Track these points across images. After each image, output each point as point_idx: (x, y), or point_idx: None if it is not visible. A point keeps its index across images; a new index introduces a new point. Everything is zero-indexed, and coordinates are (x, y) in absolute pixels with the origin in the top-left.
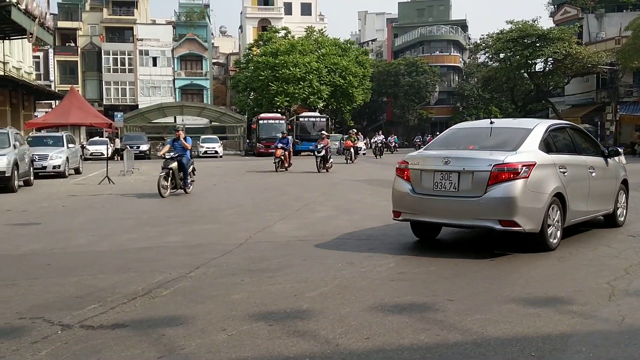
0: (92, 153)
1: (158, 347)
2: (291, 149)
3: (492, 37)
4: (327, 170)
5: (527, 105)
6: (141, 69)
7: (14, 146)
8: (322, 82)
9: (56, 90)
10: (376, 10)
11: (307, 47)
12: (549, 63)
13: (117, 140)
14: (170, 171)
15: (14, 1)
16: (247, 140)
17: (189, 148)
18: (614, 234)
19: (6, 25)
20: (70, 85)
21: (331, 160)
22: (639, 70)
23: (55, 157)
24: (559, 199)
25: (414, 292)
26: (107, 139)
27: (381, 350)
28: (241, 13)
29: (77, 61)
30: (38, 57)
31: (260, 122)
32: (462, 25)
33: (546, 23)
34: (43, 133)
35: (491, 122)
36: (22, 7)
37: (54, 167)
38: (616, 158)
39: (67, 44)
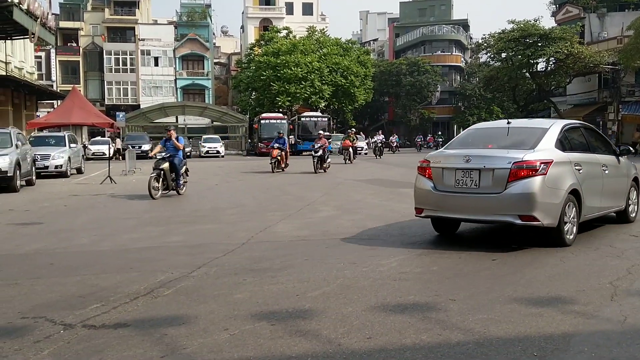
0: (94, 153)
1: (160, 347)
2: (288, 149)
3: (494, 36)
4: (325, 171)
5: (528, 105)
6: (143, 69)
7: (16, 146)
8: (324, 82)
9: (58, 90)
10: (378, 10)
11: (308, 46)
12: (551, 63)
13: (118, 141)
14: (162, 172)
15: (15, 1)
16: (249, 140)
17: (181, 148)
18: (616, 233)
19: (8, 25)
20: (72, 85)
21: (329, 160)
22: None
23: (57, 157)
24: (575, 195)
25: (416, 292)
26: (109, 139)
27: (383, 350)
28: (242, 13)
29: (79, 61)
30: (40, 57)
31: (262, 122)
32: (464, 24)
33: (548, 23)
34: (45, 133)
35: (508, 122)
36: (24, 7)
37: (56, 167)
38: None
39: (69, 44)
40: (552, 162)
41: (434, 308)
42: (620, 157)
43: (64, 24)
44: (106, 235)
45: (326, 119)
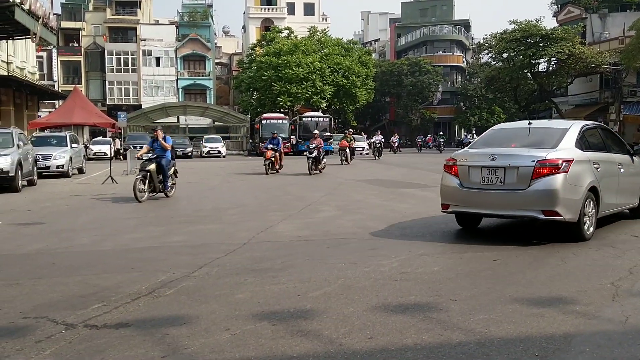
0: (95, 153)
1: (162, 347)
2: (282, 150)
3: (495, 37)
4: (320, 172)
5: (530, 105)
6: (144, 69)
7: (18, 146)
8: (325, 82)
9: (59, 90)
10: (379, 10)
11: (310, 47)
12: (553, 63)
13: (118, 141)
14: (148, 174)
15: (17, 1)
16: (250, 140)
17: (169, 149)
18: (617, 234)
19: (10, 26)
20: (73, 85)
21: (324, 161)
22: None
23: (59, 157)
24: (593, 192)
25: (417, 292)
26: (111, 139)
27: (384, 350)
28: (244, 13)
29: (80, 61)
30: (41, 57)
31: (263, 122)
32: (465, 25)
33: (549, 23)
34: (46, 133)
35: (529, 123)
36: (26, 7)
37: (58, 167)
38: None
39: (70, 44)
40: (573, 160)
41: (435, 308)
42: (634, 157)
43: (65, 24)
44: (107, 235)
45: (327, 119)
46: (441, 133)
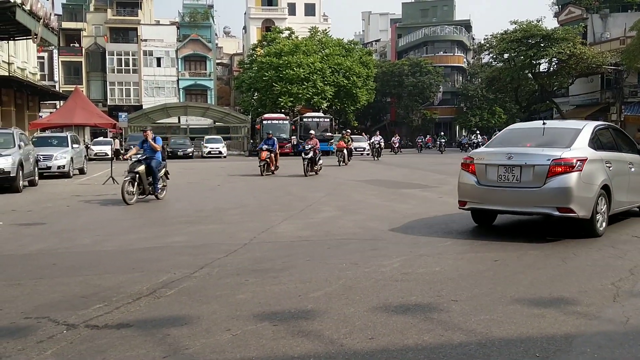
0: (96, 153)
1: (163, 347)
2: (277, 151)
3: (496, 37)
4: (316, 173)
5: (531, 106)
6: (145, 70)
7: (19, 146)
8: (326, 82)
9: (60, 91)
10: (380, 11)
11: (310, 47)
12: (553, 63)
13: (117, 141)
14: (137, 175)
15: (18, 2)
16: (251, 141)
17: (159, 149)
18: (618, 234)
19: (11, 26)
20: (74, 86)
21: (320, 162)
22: None
23: (60, 157)
24: (605, 190)
25: (418, 293)
26: (112, 139)
27: (385, 351)
28: (245, 13)
29: (81, 62)
30: (42, 57)
31: (264, 122)
32: (466, 25)
33: (550, 23)
34: (47, 133)
35: (544, 123)
36: (27, 7)
37: (59, 167)
38: None
39: (71, 45)
40: (586, 159)
41: (436, 309)
42: None
43: (66, 25)
44: (109, 236)
45: (328, 120)
46: (442, 133)
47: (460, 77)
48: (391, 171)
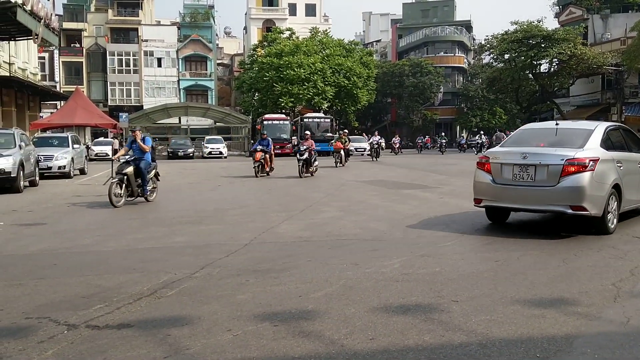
0: (97, 154)
1: (164, 347)
2: (272, 152)
3: (497, 37)
4: (312, 175)
5: (531, 106)
6: (146, 70)
7: (20, 147)
8: (327, 82)
9: (61, 91)
10: (380, 11)
11: (311, 47)
12: (554, 64)
13: (116, 142)
14: (125, 177)
15: (19, 2)
16: (252, 141)
17: (148, 150)
18: (619, 235)
19: (12, 27)
20: (75, 86)
21: (316, 163)
22: None
23: (61, 157)
24: (616, 189)
25: (418, 293)
26: (113, 140)
27: (386, 351)
28: (245, 14)
29: (82, 62)
30: (43, 58)
31: (265, 122)
32: (467, 26)
33: (551, 24)
34: (48, 133)
35: (556, 124)
36: (28, 8)
37: (59, 167)
38: None
39: (72, 45)
40: (598, 159)
41: (436, 309)
42: None
43: (67, 25)
44: (109, 236)
45: (329, 120)
46: (443, 134)
47: (461, 78)
48: (391, 171)
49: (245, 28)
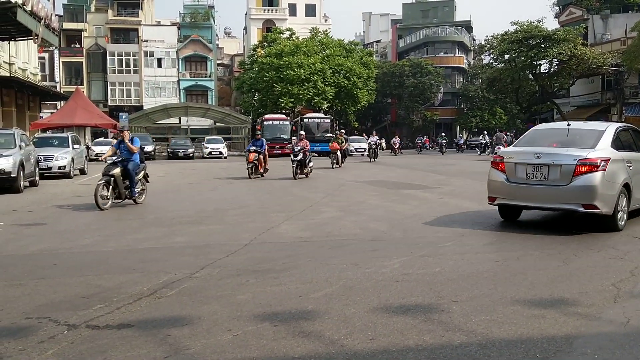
0: (97, 154)
1: (164, 347)
2: (266, 152)
3: (497, 38)
4: (307, 176)
5: (531, 107)
6: (146, 70)
7: (20, 147)
8: (327, 83)
9: (61, 91)
10: (380, 12)
11: (311, 48)
12: (554, 64)
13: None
14: (112, 179)
15: (19, 2)
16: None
17: (136, 151)
18: (619, 235)
19: (12, 27)
20: (75, 86)
21: (311, 164)
22: None
23: (61, 157)
24: (626, 188)
25: (418, 294)
26: (113, 140)
27: (386, 351)
28: (245, 14)
29: (82, 62)
30: (43, 58)
31: (265, 123)
32: (467, 26)
33: (551, 24)
34: (48, 134)
35: (568, 125)
36: (28, 8)
37: (59, 167)
38: None
39: (72, 45)
40: (609, 159)
41: (436, 309)
42: None
43: (67, 25)
44: (109, 236)
45: (329, 120)
46: (443, 134)
47: (461, 78)
48: (391, 172)
49: (245, 28)
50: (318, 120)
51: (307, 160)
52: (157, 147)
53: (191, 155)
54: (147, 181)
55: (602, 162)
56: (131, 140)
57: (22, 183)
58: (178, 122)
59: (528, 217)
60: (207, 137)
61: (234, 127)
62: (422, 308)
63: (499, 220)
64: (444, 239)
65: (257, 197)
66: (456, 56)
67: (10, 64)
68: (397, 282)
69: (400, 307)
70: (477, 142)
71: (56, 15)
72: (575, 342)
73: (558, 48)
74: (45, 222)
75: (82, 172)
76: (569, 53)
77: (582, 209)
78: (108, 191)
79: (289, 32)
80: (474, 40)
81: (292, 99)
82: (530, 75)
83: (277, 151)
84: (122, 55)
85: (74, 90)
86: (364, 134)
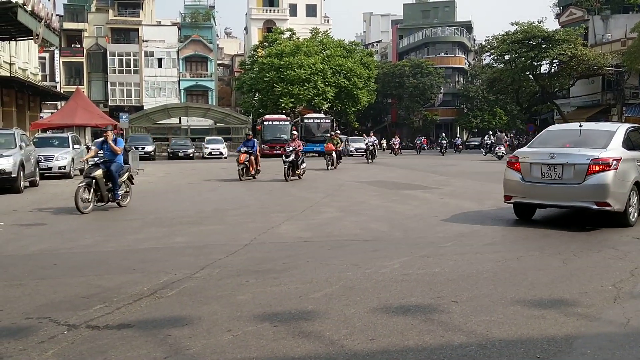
0: None
1: (164, 348)
2: (258, 153)
3: (497, 38)
4: (299, 177)
5: (532, 107)
6: (146, 70)
7: (20, 147)
8: (327, 83)
9: (62, 91)
10: (381, 12)
11: (312, 48)
12: (555, 65)
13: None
14: (93, 181)
15: (20, 2)
16: None
17: (119, 152)
18: (619, 236)
19: (12, 27)
20: (75, 86)
21: (304, 165)
22: None
23: (61, 157)
24: (636, 186)
25: (418, 294)
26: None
27: (386, 352)
28: (246, 14)
29: (82, 62)
30: (44, 58)
31: (265, 123)
32: (467, 26)
33: (552, 24)
34: (49, 134)
35: (580, 125)
36: (28, 8)
37: (60, 167)
38: None
39: (72, 45)
40: (621, 159)
41: (436, 310)
42: None
43: (68, 25)
44: (110, 236)
45: (329, 121)
46: (443, 135)
47: (461, 79)
48: (391, 172)
49: (245, 28)
50: (318, 121)
51: (300, 161)
52: (157, 147)
53: (191, 155)
54: (132, 183)
55: (614, 162)
56: (115, 140)
57: (22, 183)
58: (178, 122)
59: (528, 218)
60: (207, 138)
61: (234, 127)
62: (422, 308)
63: (499, 220)
64: (444, 239)
65: (257, 198)
66: (456, 56)
67: (10, 64)
68: (397, 283)
69: (400, 308)
70: (476, 143)
71: (57, 15)
72: (575, 342)
73: (558, 48)
74: (45, 222)
75: (82, 172)
76: (569, 53)
77: (595, 207)
78: (89, 194)
79: (289, 33)
80: (474, 40)
81: (293, 100)
82: (531, 76)
83: (278, 151)
84: (122, 56)
85: (74, 90)
86: (364, 135)
